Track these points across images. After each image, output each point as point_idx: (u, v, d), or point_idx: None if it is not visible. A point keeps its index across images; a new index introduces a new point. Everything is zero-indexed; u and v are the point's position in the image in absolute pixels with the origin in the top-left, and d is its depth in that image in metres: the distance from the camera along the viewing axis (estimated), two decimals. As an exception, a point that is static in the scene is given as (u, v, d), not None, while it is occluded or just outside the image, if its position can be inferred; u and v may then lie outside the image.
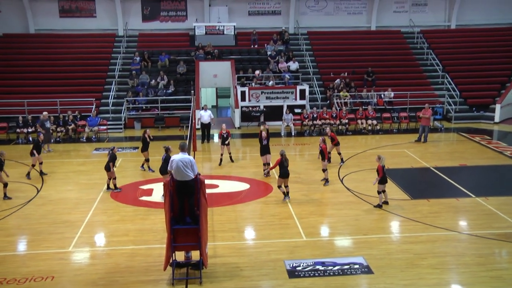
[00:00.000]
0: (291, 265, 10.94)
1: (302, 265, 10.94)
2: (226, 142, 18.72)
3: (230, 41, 29.86)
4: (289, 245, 12.07)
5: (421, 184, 17.17)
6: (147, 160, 18.22)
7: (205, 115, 22.12)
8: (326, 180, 16.40)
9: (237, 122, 25.40)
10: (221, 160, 18.80)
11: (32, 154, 17.54)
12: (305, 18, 32.22)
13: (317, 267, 10.87)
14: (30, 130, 23.14)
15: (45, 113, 22.11)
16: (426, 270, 10.76)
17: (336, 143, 18.49)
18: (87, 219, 13.79)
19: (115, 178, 15.92)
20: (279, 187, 15.01)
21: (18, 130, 23.41)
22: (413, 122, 25.28)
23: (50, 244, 12.33)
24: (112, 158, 15.77)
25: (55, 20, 30.51)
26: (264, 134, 17.35)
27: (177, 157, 10.33)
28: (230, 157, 18.97)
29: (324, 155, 16.38)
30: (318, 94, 27.04)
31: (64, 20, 30.59)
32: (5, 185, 15.53)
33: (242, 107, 25.60)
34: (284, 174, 14.74)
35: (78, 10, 30.55)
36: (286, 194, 14.93)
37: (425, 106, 22.58)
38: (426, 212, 14.06)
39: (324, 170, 16.45)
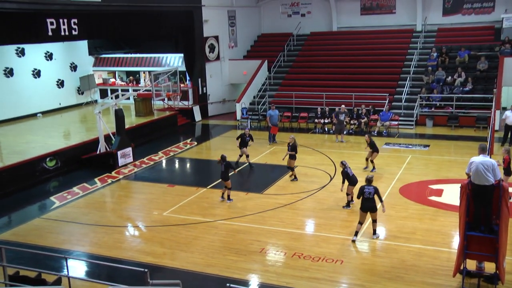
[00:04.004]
0: None
1: None
2: None
3: (546, 34, 26.37)
4: None
5: None
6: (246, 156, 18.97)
7: (511, 116, 20.11)
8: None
9: (545, 126, 22.35)
10: None
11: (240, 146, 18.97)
12: None
13: None
14: (326, 121, 24.81)
15: (343, 106, 23.38)
16: None
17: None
18: (375, 211, 14.09)
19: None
20: None
21: (316, 120, 25.33)
22: None
23: (340, 230, 13.04)
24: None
25: (356, 18, 31.82)
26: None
27: (477, 159, 9.62)
28: None
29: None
30: None
31: (364, 17, 31.66)
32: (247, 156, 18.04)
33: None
34: None
35: (379, 7, 31.20)
36: None
37: None
38: None
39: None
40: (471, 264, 10.28)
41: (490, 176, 9.50)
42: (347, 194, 14.44)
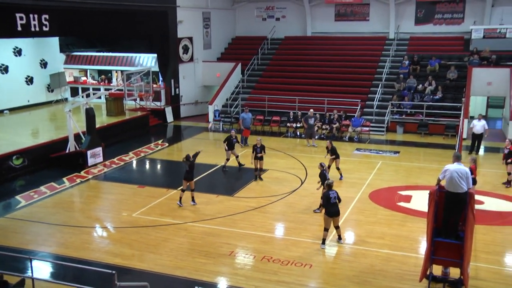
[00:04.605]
0: None
1: None
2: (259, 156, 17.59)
3: (512, 46, 27.13)
4: None
5: None
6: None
7: (478, 125, 20.58)
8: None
9: (511, 135, 22.96)
10: None
11: (226, 148, 18.99)
12: None
13: None
14: (298, 125, 24.93)
15: (311, 110, 23.55)
16: None
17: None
18: (345, 216, 14.15)
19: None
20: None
21: (288, 124, 25.42)
22: None
23: (310, 234, 13.08)
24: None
25: (330, 24, 32.09)
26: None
27: (452, 167, 9.80)
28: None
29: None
30: None
31: (338, 24, 31.95)
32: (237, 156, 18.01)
33: (518, 119, 23.09)
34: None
35: (353, 14, 31.55)
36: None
37: None
38: None
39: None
40: (437, 269, 10.44)
41: (464, 184, 9.68)
42: (321, 198, 14.49)
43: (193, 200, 15.28)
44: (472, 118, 22.92)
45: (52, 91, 29.59)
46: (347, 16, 31.72)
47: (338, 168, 17.52)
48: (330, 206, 12.24)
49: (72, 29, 23.66)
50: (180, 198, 15.20)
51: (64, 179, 17.91)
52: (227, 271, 11.28)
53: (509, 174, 16.86)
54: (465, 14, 29.17)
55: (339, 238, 12.55)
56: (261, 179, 17.43)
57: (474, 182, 14.26)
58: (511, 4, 28.03)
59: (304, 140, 23.33)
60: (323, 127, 24.52)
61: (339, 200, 12.38)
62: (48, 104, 28.98)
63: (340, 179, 17.25)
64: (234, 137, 19.08)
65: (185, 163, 15.13)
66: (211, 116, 27.48)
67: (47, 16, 20.55)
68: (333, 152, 17.47)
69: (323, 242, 12.36)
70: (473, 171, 14.38)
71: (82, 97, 23.57)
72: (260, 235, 13.10)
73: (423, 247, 11.60)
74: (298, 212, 14.63)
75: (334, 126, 24.43)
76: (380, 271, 11.08)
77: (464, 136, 21.85)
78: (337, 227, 12.46)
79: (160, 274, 11.07)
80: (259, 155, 17.38)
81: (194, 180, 15.44)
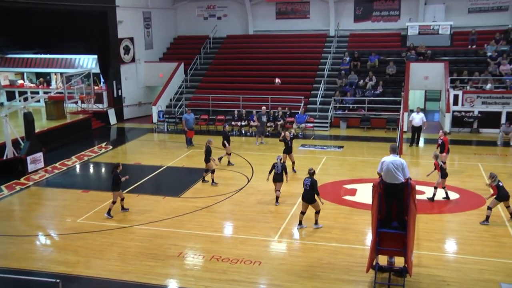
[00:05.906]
0: (507, 289, 9.91)
1: (521, 290, 9.83)
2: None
3: (445, 41, 28.25)
4: (506, 266, 10.96)
5: None
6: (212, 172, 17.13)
7: (416, 118, 21.34)
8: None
9: (447, 127, 23.96)
10: None
11: (223, 145, 19.21)
12: (537, 14, 28.78)
13: (540, 294, 9.67)
14: (243, 123, 25.02)
15: (263, 107, 23.76)
16: None
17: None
18: (292, 212, 14.33)
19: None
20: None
21: (233, 123, 25.47)
22: None
23: (258, 232, 13.15)
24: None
25: (272, 22, 32.40)
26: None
27: (388, 159, 10.10)
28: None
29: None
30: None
31: (280, 22, 32.30)
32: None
33: (453, 111, 24.08)
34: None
35: (293, 12, 31.97)
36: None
37: None
38: None
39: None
40: (382, 260, 10.73)
41: (400, 175, 9.97)
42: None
43: (108, 212, 14.38)
44: (412, 111, 23.70)
45: (-14, 95, 28.36)
46: (288, 14, 32.10)
47: (293, 162, 18.10)
48: (303, 192, 12.99)
49: (5, 30, 22.70)
50: (122, 206, 14.69)
51: (2, 187, 17.18)
52: (176, 272, 11.16)
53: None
54: (401, 11, 30.19)
55: (315, 222, 13.23)
56: (205, 181, 17.32)
57: (445, 175, 14.93)
58: (442, 2, 29.27)
59: (249, 138, 23.50)
60: (268, 124, 24.69)
61: (315, 192, 12.81)
62: (-18, 109, 27.72)
63: (293, 170, 17.86)
64: (229, 132, 19.63)
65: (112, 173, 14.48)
66: (155, 117, 27.12)
67: (-23, 17, 19.67)
68: (286, 144, 17.96)
69: (299, 224, 13.21)
70: (436, 166, 14.91)
71: (20, 101, 22.70)
72: (208, 235, 13.04)
73: (368, 238, 11.90)
74: (245, 210, 14.67)
75: (279, 123, 24.65)
76: (328, 264, 11.27)
77: (405, 129, 22.58)
78: (316, 212, 13.08)
79: (107, 280, 10.82)
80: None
81: (141, 182, 15.15)
